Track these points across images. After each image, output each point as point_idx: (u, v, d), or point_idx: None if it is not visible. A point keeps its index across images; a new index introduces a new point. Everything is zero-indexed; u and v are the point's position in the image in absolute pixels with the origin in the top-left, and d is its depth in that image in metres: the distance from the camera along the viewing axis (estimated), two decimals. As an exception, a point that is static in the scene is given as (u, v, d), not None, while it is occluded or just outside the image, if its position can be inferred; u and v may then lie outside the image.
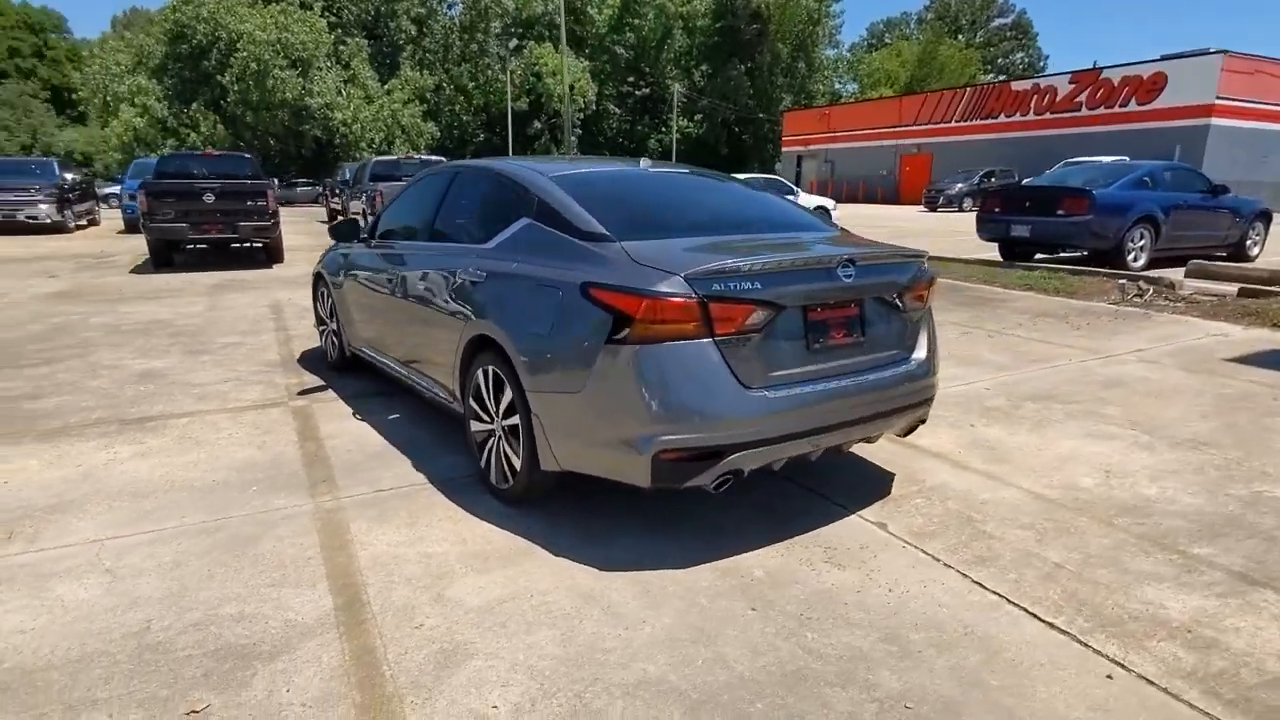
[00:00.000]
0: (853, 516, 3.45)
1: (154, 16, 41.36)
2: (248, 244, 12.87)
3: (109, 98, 38.76)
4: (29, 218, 19.77)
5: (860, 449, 3.98)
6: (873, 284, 3.30)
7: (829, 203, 20.39)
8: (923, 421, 3.68)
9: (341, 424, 4.69)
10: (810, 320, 3.10)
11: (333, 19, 39.25)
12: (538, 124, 39.46)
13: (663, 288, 2.83)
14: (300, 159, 35.86)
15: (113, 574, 2.95)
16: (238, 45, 34.34)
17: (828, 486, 3.77)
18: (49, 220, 19.73)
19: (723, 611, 2.71)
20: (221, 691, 2.29)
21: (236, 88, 34.93)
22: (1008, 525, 3.35)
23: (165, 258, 12.40)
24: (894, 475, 3.91)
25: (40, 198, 19.79)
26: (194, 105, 35.71)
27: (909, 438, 4.08)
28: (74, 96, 45.55)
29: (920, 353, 3.50)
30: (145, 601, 2.76)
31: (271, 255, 13.05)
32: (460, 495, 3.65)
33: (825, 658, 2.47)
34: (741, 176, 7.65)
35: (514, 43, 43.90)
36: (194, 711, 2.21)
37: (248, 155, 15.63)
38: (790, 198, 18.86)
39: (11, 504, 3.57)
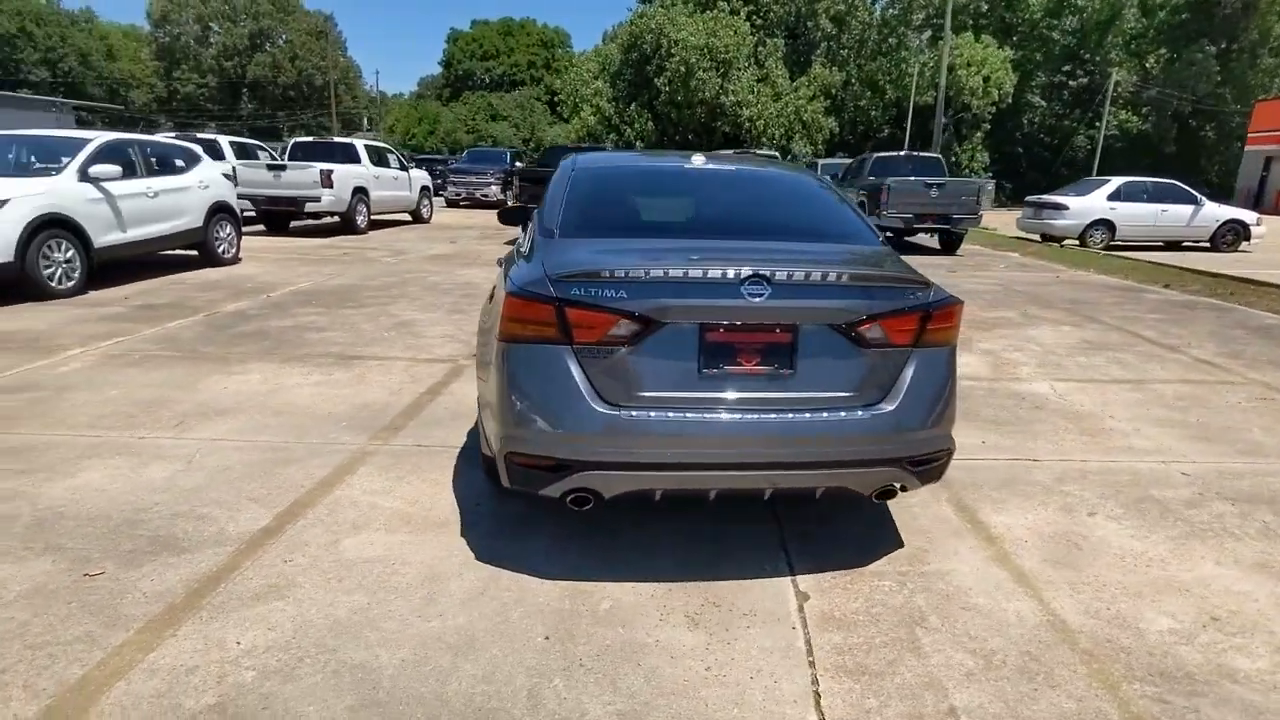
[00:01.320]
0: (785, 579, 2.92)
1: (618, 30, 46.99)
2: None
3: (577, 100, 45.34)
4: (483, 195, 24.24)
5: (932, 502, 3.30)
6: (807, 309, 2.71)
7: (1249, 216, 15.91)
8: (902, 488, 2.90)
9: (471, 386, 5.15)
10: (707, 341, 2.67)
11: (758, 21, 40.94)
12: (944, 118, 36.89)
13: (528, 287, 2.70)
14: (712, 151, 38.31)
15: (187, 465, 3.74)
16: (672, 51, 37.71)
17: (807, 535, 3.23)
18: (496, 199, 23.87)
19: (517, 630, 2.55)
20: (121, 566, 2.84)
21: (667, 89, 38.40)
22: (956, 649, 2.54)
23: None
24: (901, 545, 3.19)
25: (491, 180, 24.10)
26: (632, 105, 40.15)
27: (987, 515, 3.32)
28: (556, 99, 54.06)
29: (896, 401, 2.76)
30: (171, 489, 3.47)
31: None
32: (473, 465, 3.84)
33: (540, 711, 2.22)
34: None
35: (928, 34, 41.43)
36: (90, 574, 2.77)
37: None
38: (1190, 207, 15.23)
39: (210, 403, 4.64)
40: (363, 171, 15.07)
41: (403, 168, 17.25)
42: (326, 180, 13.83)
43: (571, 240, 3.07)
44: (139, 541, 3.01)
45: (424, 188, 18.30)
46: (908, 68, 40.92)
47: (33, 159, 8.61)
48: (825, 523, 3.32)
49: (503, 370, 2.74)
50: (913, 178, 14.48)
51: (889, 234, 14.78)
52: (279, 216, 14.74)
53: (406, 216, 18.19)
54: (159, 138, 11.68)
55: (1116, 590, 2.85)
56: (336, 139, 17.51)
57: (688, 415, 2.65)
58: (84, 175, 8.27)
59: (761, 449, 2.68)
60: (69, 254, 7.94)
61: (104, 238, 8.42)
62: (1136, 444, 4.34)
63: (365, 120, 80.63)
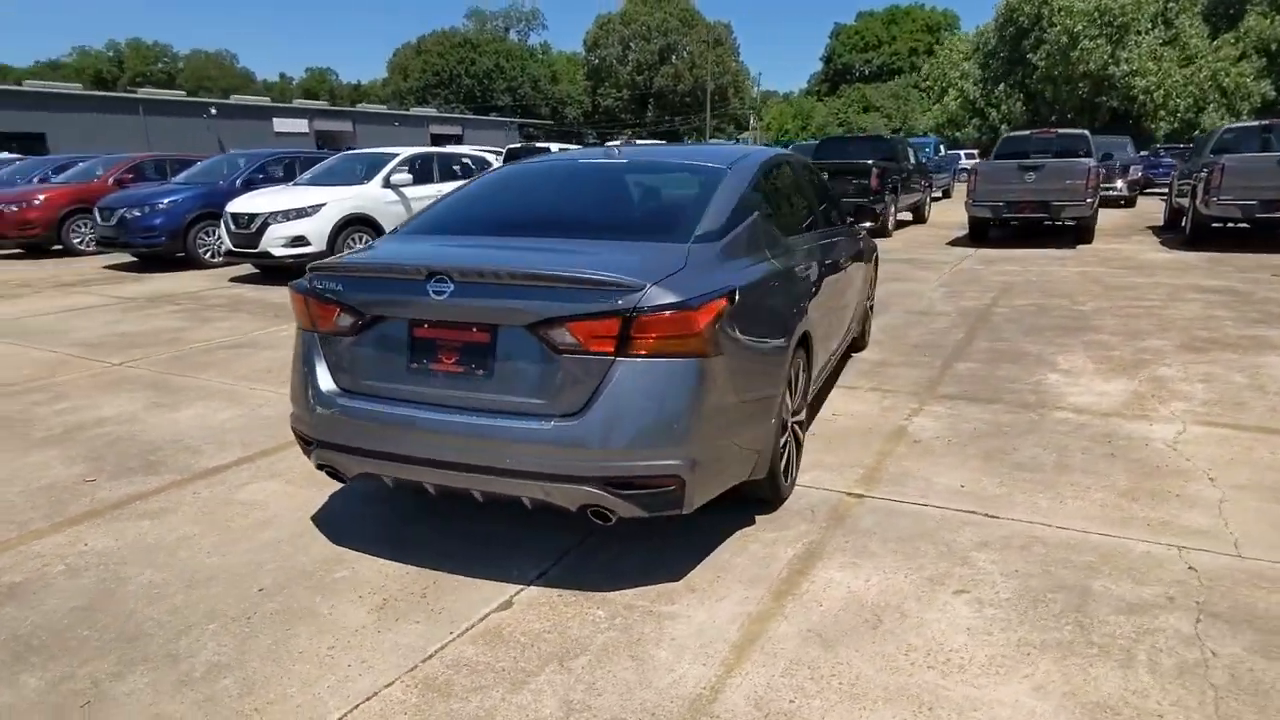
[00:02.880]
0: (513, 585, 2.80)
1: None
2: (1060, 222, 11.88)
3: (944, 84, 41.99)
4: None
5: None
6: (492, 309, 2.55)
7: None
8: (604, 515, 2.56)
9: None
10: (415, 337, 2.68)
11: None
12: None
13: (300, 280, 2.95)
14: (1093, 132, 32.30)
15: (249, 411, 4.66)
16: (1054, 21, 32.87)
17: (600, 551, 3.02)
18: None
19: (250, 578, 2.87)
20: (110, 478, 3.73)
21: (1043, 64, 33.63)
22: (557, 704, 2.25)
23: (982, 232, 12.60)
24: (676, 579, 2.81)
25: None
26: (1001, 86, 35.91)
27: (823, 569, 2.79)
28: (923, 85, 50.50)
29: (590, 413, 2.46)
30: (209, 429, 4.38)
31: (1079, 236, 12.08)
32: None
33: (181, 643, 2.52)
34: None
35: None
36: (89, 479, 3.71)
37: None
38: None
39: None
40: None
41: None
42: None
43: (394, 238, 3.24)
44: (140, 462, 3.91)
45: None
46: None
47: (361, 170, 10.85)
48: (635, 541, 3.03)
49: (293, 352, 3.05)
50: (1269, 154, 10.80)
51: (1228, 224, 11.21)
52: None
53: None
54: (456, 149, 13.70)
55: (836, 692, 2.21)
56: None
57: (394, 408, 2.69)
58: (386, 182, 10.24)
59: (456, 450, 2.61)
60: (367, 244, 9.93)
61: (397, 232, 10.33)
62: (1188, 521, 3.10)
63: (750, 119, 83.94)
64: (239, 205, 9.77)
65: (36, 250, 12.76)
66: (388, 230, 9.98)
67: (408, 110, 59.28)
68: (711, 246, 2.89)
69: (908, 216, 15.77)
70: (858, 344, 5.79)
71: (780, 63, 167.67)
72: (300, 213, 9.42)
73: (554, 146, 18.05)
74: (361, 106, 59.82)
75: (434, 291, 2.58)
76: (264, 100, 52.16)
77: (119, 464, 3.89)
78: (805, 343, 3.45)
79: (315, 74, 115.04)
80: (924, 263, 10.49)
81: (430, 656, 2.37)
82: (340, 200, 9.68)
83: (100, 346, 6.39)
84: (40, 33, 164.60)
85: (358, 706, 2.16)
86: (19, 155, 20.41)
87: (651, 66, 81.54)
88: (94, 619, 2.59)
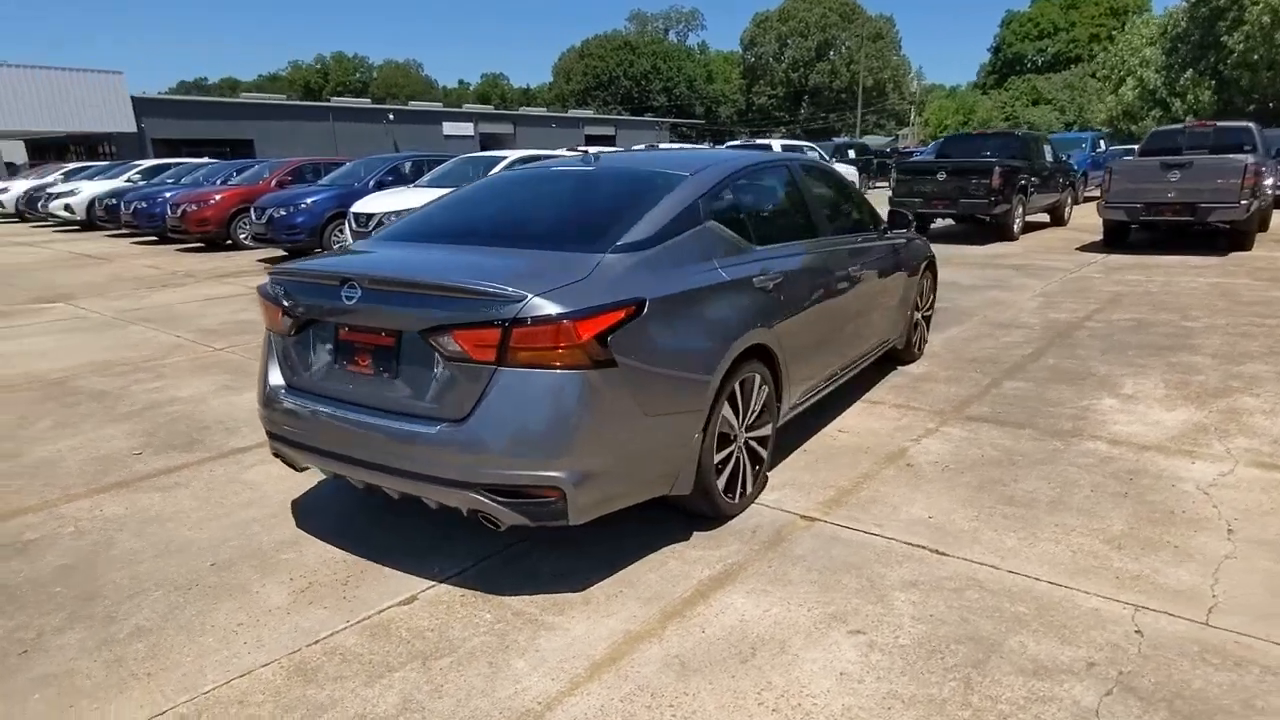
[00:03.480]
0: (426, 582, 2.88)
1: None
2: (1209, 226, 10.48)
3: (1123, 72, 38.06)
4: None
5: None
6: (391, 315, 2.66)
7: None
8: (492, 521, 2.61)
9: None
10: (340, 339, 2.83)
11: None
12: None
13: (263, 283, 3.17)
14: (1293, 123, 27.87)
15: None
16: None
17: (527, 557, 3.05)
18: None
19: (204, 557, 3.13)
20: (154, 453, 4.19)
21: (1240, 48, 29.66)
22: None
23: (1119, 236, 11.27)
24: (575, 591, 2.79)
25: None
26: (1188, 73, 31.98)
27: (725, 594, 2.72)
28: (1100, 75, 45.80)
29: (472, 420, 2.50)
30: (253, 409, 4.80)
31: (1233, 242, 10.67)
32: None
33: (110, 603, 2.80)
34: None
35: None
36: (136, 453, 4.18)
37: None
38: None
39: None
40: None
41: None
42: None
43: (361, 242, 3.40)
44: (184, 440, 4.35)
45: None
46: None
47: (473, 172, 11.37)
48: (563, 547, 3.03)
49: None
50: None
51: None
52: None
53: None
54: (566, 151, 13.95)
55: None
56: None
57: (324, 406, 2.85)
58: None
59: (367, 448, 2.72)
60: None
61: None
62: (1169, 578, 2.69)
63: (910, 114, 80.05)
64: (361, 205, 10.56)
65: (212, 245, 14.37)
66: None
67: (564, 112, 61.36)
68: (633, 256, 2.83)
69: (1045, 218, 14.49)
70: (904, 356, 5.44)
71: (946, 55, 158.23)
72: (410, 212, 10.02)
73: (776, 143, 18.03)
74: (524, 110, 62.60)
75: (345, 297, 2.71)
76: (436, 106, 55.75)
77: (166, 441, 4.35)
78: (765, 356, 3.29)
79: (489, 80, 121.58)
80: (1035, 269, 9.60)
81: (315, 642, 2.50)
82: (447, 202, 10.23)
83: (215, 332, 7.13)
84: (263, 48, 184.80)
85: (229, 682, 2.32)
86: (211, 159, 22.94)
87: (807, 63, 79.50)
88: (70, 577, 2.93)
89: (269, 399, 3.04)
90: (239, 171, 16.66)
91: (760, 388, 3.30)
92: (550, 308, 2.45)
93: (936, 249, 6.19)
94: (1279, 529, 2.99)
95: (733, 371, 3.06)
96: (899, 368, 5.42)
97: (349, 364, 2.81)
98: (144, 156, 31.51)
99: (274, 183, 14.65)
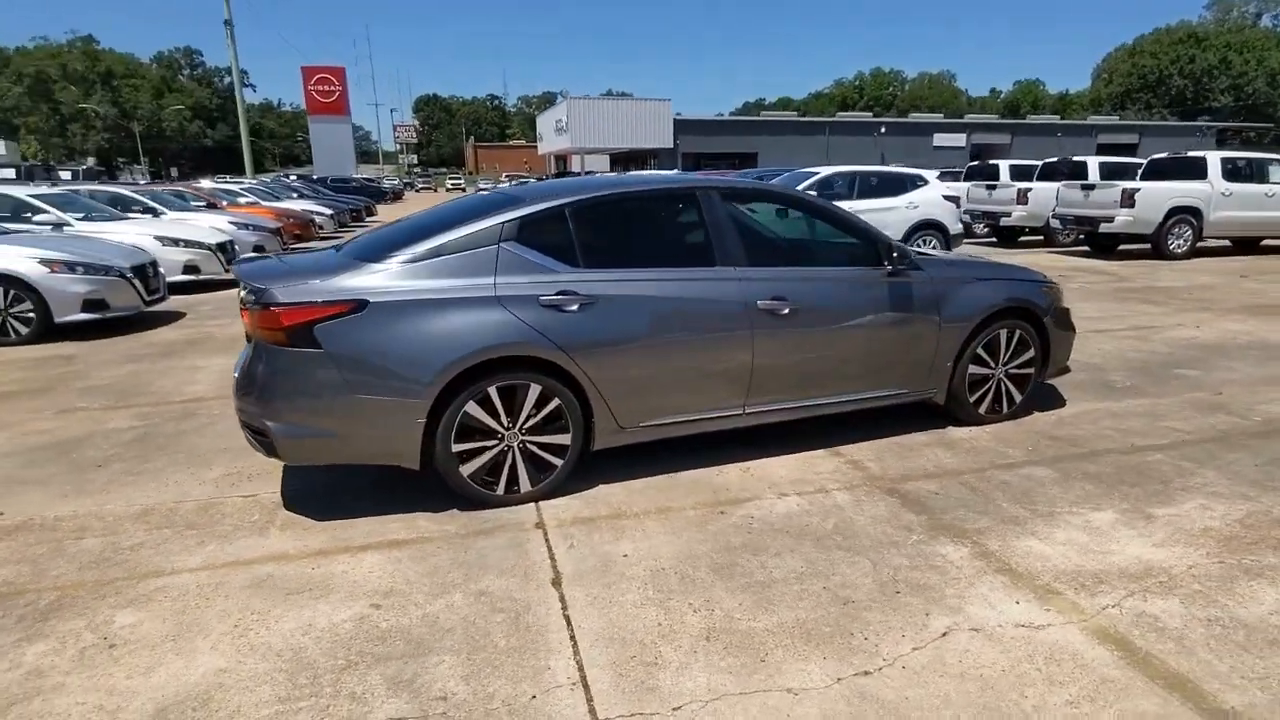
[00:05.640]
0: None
1: None
2: None
3: None
4: None
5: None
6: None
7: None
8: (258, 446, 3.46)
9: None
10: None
11: None
12: None
13: None
14: None
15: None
16: None
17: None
18: None
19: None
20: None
21: None
22: None
23: None
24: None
25: None
26: None
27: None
28: None
29: (243, 376, 3.41)
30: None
31: None
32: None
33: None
34: None
35: None
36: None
37: None
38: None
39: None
40: (1196, 189, 12.08)
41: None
42: (1127, 200, 11.97)
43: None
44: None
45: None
46: None
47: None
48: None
49: None
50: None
51: None
52: (1099, 238, 13.42)
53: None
54: (883, 169, 12.67)
55: None
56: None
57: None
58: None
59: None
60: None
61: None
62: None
63: None
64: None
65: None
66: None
67: (1084, 119, 53.54)
68: (395, 266, 3.36)
69: None
70: (956, 413, 4.52)
71: None
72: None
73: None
74: (1031, 118, 56.52)
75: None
76: (932, 117, 54.10)
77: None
78: (556, 371, 3.45)
79: (1022, 86, 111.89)
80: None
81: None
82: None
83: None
84: (812, 66, 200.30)
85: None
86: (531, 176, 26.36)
87: None
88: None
89: None
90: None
91: (542, 399, 3.47)
92: (272, 299, 3.23)
93: None
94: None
95: (478, 374, 3.35)
96: (949, 427, 4.46)
97: None
98: (674, 168, 37.92)
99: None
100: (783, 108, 79.97)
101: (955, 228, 11.34)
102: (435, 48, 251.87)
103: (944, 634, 2.47)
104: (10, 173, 28.64)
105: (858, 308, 4.08)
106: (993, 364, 4.50)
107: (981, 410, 4.53)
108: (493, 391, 3.41)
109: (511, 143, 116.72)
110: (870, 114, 62.40)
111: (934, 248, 11.26)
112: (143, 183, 30.12)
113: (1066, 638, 2.44)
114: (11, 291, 7.17)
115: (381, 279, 3.35)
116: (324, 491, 3.74)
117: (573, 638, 2.48)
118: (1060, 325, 4.67)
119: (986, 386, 4.53)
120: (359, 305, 3.25)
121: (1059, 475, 3.78)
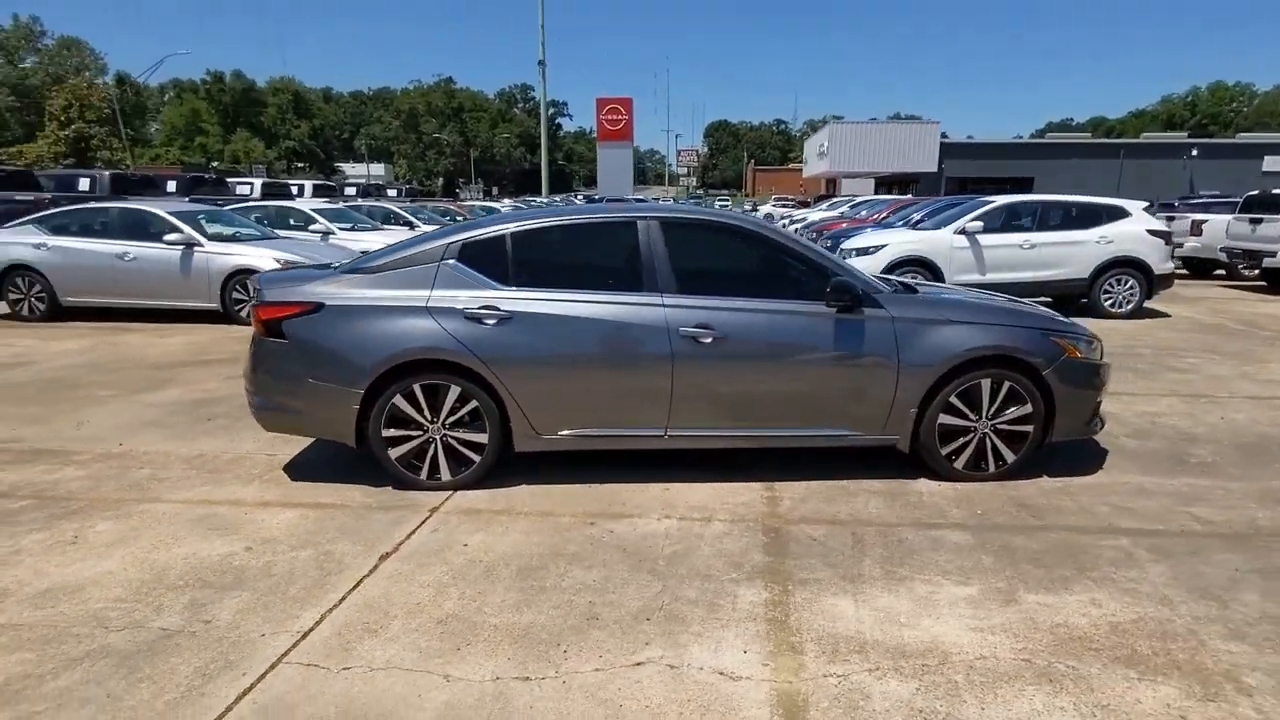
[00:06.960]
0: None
1: None
2: None
3: None
4: None
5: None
6: None
7: None
8: None
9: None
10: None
11: None
12: None
13: None
14: None
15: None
16: None
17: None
18: None
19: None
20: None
21: None
22: None
23: None
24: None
25: None
26: None
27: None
28: None
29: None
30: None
31: None
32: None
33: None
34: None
35: None
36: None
37: None
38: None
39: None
40: None
41: None
42: None
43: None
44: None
45: None
46: None
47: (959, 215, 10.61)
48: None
49: None
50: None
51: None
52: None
53: None
54: (1077, 198, 10.62)
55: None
56: None
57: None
58: (960, 230, 9.97)
59: None
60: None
61: (958, 277, 9.97)
62: None
63: None
64: (846, 241, 11.30)
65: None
66: (946, 272, 9.90)
67: None
68: (353, 276, 4.00)
69: None
70: (930, 464, 4.07)
71: None
72: (863, 250, 10.37)
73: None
74: None
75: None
76: (1266, 137, 44.37)
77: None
78: (474, 375, 3.84)
79: None
80: None
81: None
82: (902, 243, 10.12)
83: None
84: (1136, 81, 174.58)
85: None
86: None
87: None
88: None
89: None
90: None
91: (462, 399, 3.87)
92: (261, 298, 4.01)
93: None
94: None
95: (405, 372, 3.84)
96: (921, 478, 4.02)
97: None
98: (938, 193, 35.76)
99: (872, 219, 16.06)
100: (1093, 128, 70.58)
101: (1163, 267, 9.52)
102: (728, 77, 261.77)
103: (638, 664, 2.42)
104: (347, 189, 35.48)
105: (793, 343, 3.89)
106: (973, 416, 3.97)
107: (958, 465, 4.01)
108: (417, 388, 3.89)
109: (790, 166, 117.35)
110: (1185, 134, 52.90)
111: (1130, 288, 9.59)
112: (466, 200, 35.56)
113: (746, 694, 2.26)
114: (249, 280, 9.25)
115: (341, 286, 3.99)
116: (319, 461, 4.48)
117: (343, 598, 2.85)
118: (1072, 381, 3.96)
119: (965, 439, 4.00)
120: (317, 307, 3.92)
121: (972, 544, 3.27)
